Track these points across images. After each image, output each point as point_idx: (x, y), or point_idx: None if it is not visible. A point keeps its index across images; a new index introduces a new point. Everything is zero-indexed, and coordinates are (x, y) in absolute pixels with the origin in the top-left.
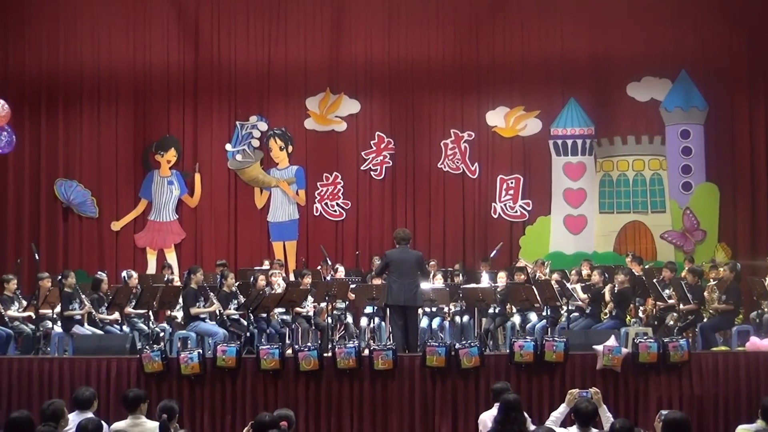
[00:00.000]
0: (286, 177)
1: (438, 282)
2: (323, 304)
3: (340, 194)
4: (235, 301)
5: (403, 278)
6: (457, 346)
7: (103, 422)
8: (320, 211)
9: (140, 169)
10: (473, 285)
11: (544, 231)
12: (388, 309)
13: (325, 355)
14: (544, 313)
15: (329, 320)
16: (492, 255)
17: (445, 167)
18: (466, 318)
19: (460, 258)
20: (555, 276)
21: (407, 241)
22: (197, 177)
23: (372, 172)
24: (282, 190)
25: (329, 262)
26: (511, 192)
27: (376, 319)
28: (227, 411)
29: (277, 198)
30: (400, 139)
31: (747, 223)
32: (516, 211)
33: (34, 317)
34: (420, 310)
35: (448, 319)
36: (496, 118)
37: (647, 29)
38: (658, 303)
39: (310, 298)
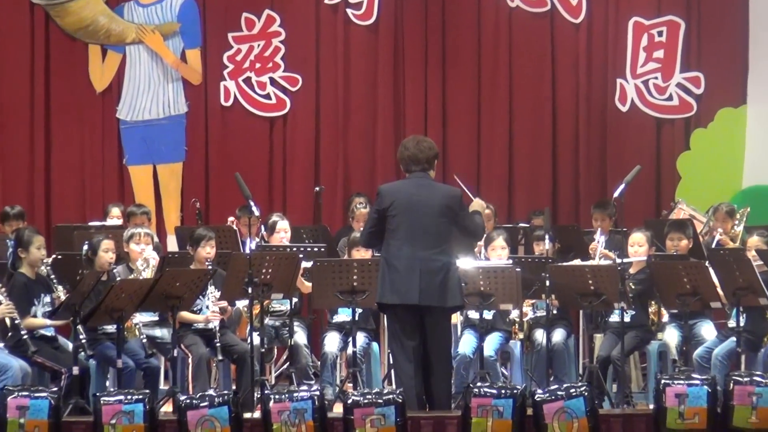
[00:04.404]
0: (159, 21)
1: (497, 254)
2: (242, 304)
3: (279, 59)
4: (48, 298)
5: (419, 245)
6: (539, 394)
7: None
8: (235, 97)
9: None
10: (575, 262)
11: (733, 141)
12: (384, 314)
13: (248, 416)
14: (731, 323)
15: (254, 339)
16: (617, 194)
17: (513, 1)
18: (559, 334)
19: (547, 201)
20: (756, 240)
21: (427, 165)
22: None
23: (350, 12)
24: (151, 52)
25: (255, 211)
26: (660, 54)
27: (361, 338)
28: None
29: (141, 68)
30: None
31: None
32: (669, 97)
33: None
34: (457, 317)
35: (519, 337)
36: None
37: None
38: None
39: (212, 291)
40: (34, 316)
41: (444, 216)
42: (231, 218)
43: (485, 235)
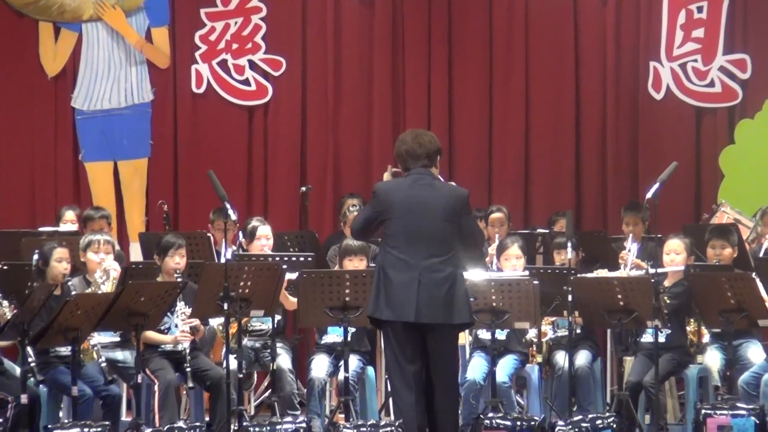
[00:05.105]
0: None
1: (512, 264)
2: (217, 322)
3: (259, 39)
4: None
5: (420, 253)
6: (561, 426)
7: None
8: (209, 83)
9: None
10: (600, 272)
11: None
12: (382, 332)
13: None
14: None
15: (231, 363)
16: (650, 195)
17: None
18: (583, 357)
19: (569, 203)
20: None
21: (428, 162)
22: None
23: None
24: (111, 30)
25: (232, 215)
26: (700, 33)
27: (354, 361)
28: None
29: (99, 50)
30: None
31: None
32: (711, 83)
33: None
34: (465, 337)
35: (537, 360)
36: None
37: None
38: None
39: (182, 306)
40: None
41: (449, 219)
42: (208, 226)
43: (498, 243)
